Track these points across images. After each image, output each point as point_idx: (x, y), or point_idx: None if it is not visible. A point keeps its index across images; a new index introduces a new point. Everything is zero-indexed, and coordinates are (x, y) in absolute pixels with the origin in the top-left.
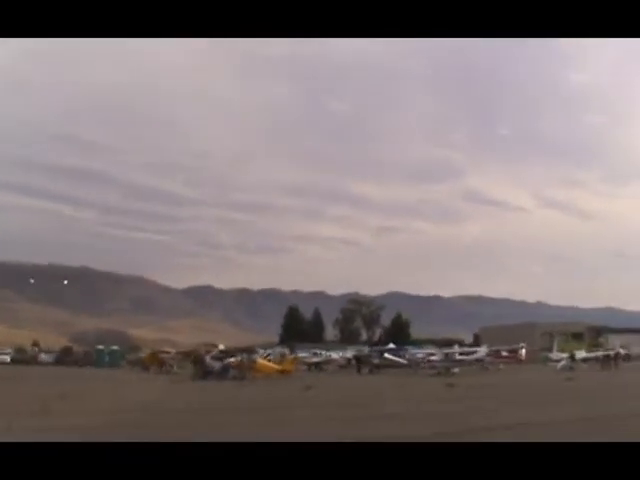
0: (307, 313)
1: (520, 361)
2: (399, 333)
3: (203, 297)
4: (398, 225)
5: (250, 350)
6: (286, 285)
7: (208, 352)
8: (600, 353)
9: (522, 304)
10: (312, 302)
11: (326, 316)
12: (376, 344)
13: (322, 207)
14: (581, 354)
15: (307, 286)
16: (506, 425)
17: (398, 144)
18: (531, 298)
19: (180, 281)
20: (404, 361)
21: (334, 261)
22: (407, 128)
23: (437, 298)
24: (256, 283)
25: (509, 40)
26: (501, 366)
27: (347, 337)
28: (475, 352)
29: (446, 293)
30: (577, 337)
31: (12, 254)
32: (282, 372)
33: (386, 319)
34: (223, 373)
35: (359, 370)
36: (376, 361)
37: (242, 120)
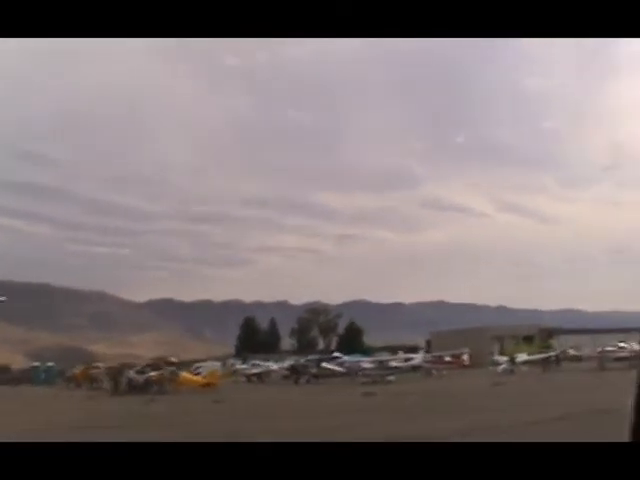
0: (268, 323)
1: (464, 366)
2: (352, 341)
3: (164, 310)
4: (359, 233)
5: (188, 363)
6: (248, 296)
7: (132, 366)
8: (542, 355)
9: (484, 308)
10: (274, 312)
11: (288, 326)
12: (332, 353)
13: (282, 217)
14: (522, 357)
15: (269, 296)
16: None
17: (357, 153)
18: (493, 302)
19: (141, 295)
20: (343, 370)
21: (296, 271)
22: (366, 137)
23: (399, 305)
24: (218, 295)
25: (464, 47)
26: (444, 372)
27: (304, 346)
28: (411, 359)
29: (407, 300)
30: (528, 340)
31: None
32: (207, 385)
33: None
34: (146, 387)
35: (296, 381)
36: (313, 371)
37: (200, 131)
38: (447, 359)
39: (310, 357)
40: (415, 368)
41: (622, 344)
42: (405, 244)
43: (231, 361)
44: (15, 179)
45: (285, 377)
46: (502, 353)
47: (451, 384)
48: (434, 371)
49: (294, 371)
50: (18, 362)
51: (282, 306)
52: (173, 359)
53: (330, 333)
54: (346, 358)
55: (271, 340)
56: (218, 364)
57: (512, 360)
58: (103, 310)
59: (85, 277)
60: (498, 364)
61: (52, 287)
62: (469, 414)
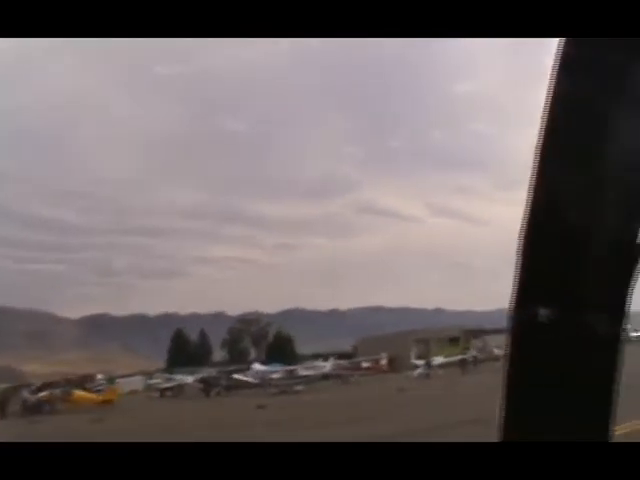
0: (204, 335)
1: (383, 371)
2: (282, 349)
3: (99, 326)
4: (295, 242)
5: (113, 379)
6: (184, 308)
7: (27, 386)
8: (458, 357)
9: (421, 312)
10: (211, 324)
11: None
12: (263, 362)
13: (218, 228)
14: (439, 360)
15: (206, 308)
16: None
17: (291, 160)
18: (430, 305)
19: (75, 311)
20: (255, 381)
21: (232, 281)
22: (299, 144)
23: (336, 311)
24: (154, 308)
25: (397, 51)
26: (362, 378)
27: (236, 357)
28: (322, 367)
29: (345, 306)
30: (454, 341)
31: None
32: (105, 402)
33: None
34: (40, 407)
35: (207, 394)
36: (224, 383)
37: (134, 142)
38: (365, 365)
39: (221, 369)
40: (326, 376)
41: None
42: (342, 250)
43: (164, 375)
44: None
45: (201, 390)
46: (426, 356)
47: (359, 391)
48: (352, 378)
49: (205, 383)
50: None
51: (219, 317)
52: (100, 376)
53: (262, 342)
54: (258, 368)
55: (202, 352)
56: (139, 379)
57: (428, 363)
58: (37, 328)
59: (18, 294)
60: (416, 368)
61: None
62: (352, 424)
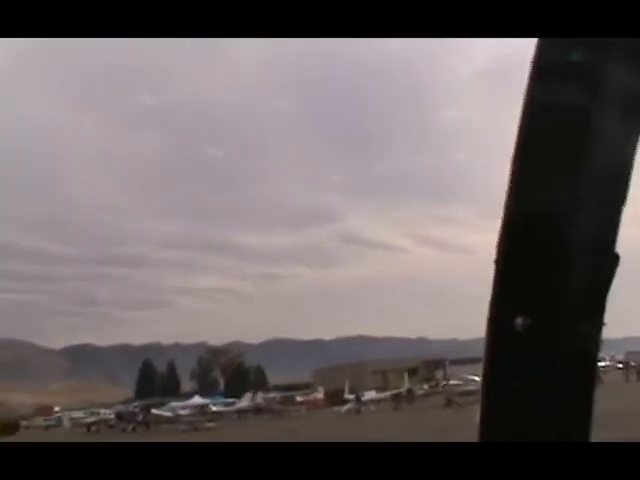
0: (188, 365)
1: (318, 406)
2: (244, 381)
3: (82, 356)
4: (277, 272)
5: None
6: (167, 338)
7: None
8: (390, 392)
9: (405, 341)
10: (194, 354)
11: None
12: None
13: (200, 257)
14: (370, 394)
15: (188, 338)
16: None
17: (275, 189)
18: (413, 335)
19: (57, 342)
20: (171, 416)
21: (215, 311)
22: (283, 172)
23: (319, 342)
24: (136, 338)
25: (382, 77)
26: (295, 413)
27: (205, 388)
28: (234, 402)
29: (327, 336)
30: (413, 372)
31: None
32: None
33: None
34: None
35: (124, 429)
36: (140, 418)
37: (114, 171)
38: (299, 399)
39: (137, 404)
40: (241, 412)
41: (473, 377)
42: (324, 280)
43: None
44: None
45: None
46: (384, 388)
47: (257, 430)
48: (286, 413)
49: (120, 419)
50: None
51: (202, 347)
52: (57, 408)
53: (230, 373)
54: (196, 402)
55: (169, 383)
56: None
57: (358, 398)
58: (17, 358)
59: None
60: (346, 403)
61: None
62: None
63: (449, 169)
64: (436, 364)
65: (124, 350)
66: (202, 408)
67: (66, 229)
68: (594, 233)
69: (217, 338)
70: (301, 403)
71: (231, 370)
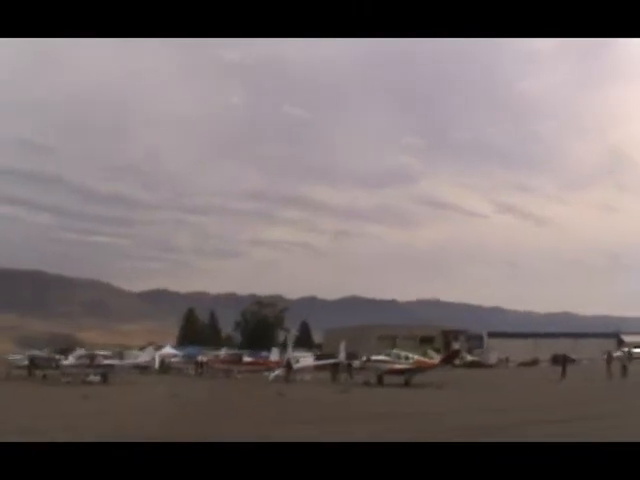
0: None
1: (268, 368)
2: (265, 336)
3: (158, 301)
4: (353, 229)
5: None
6: (242, 289)
7: None
8: (329, 361)
9: (479, 309)
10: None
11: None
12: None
13: (277, 211)
14: (306, 361)
15: (263, 290)
16: None
17: (353, 149)
18: (487, 303)
19: (135, 285)
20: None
21: (290, 265)
22: (362, 133)
23: (393, 302)
24: (212, 287)
25: (464, 46)
26: (239, 376)
27: (248, 340)
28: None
29: (402, 297)
30: (427, 341)
31: None
32: None
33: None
34: None
35: (30, 373)
36: (52, 365)
37: (198, 124)
38: (246, 359)
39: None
40: (141, 367)
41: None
42: (400, 241)
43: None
44: (15, 167)
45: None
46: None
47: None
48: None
49: (32, 364)
50: (6, 349)
51: (277, 300)
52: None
53: (276, 327)
54: (160, 352)
55: (211, 333)
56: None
57: (289, 365)
58: (96, 299)
59: (81, 266)
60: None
61: (47, 275)
62: None
63: (530, 139)
64: (455, 335)
65: (199, 297)
66: (92, 359)
67: (149, 177)
68: None
69: (291, 291)
70: (250, 364)
71: (277, 324)
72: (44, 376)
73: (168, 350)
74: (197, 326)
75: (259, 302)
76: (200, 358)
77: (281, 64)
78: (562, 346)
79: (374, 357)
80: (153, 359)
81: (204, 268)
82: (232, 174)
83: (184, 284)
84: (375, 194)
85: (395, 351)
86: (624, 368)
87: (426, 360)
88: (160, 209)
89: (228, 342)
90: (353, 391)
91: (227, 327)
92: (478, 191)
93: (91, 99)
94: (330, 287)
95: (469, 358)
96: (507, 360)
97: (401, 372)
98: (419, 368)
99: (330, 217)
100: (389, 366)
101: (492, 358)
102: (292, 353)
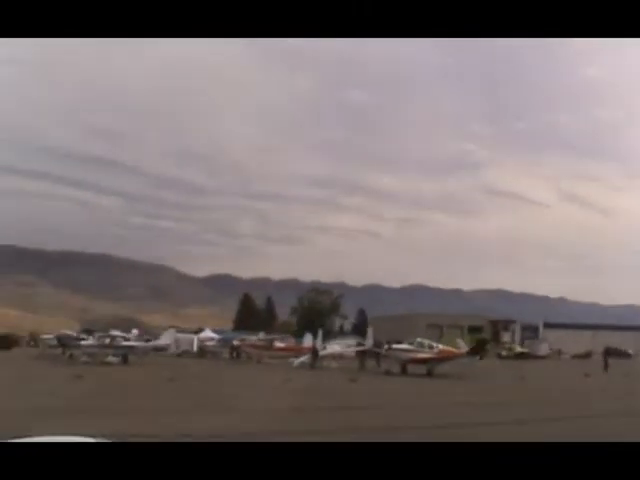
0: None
1: (303, 353)
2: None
3: (221, 286)
4: (418, 217)
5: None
6: (305, 275)
7: None
8: (357, 348)
9: (543, 299)
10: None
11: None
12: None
13: (341, 198)
14: (333, 348)
15: (326, 277)
16: None
17: (417, 136)
18: (552, 294)
19: (199, 269)
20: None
21: (353, 252)
22: (426, 120)
23: (458, 291)
24: (275, 273)
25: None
26: (272, 361)
27: (303, 326)
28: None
29: (467, 287)
30: (476, 331)
31: (34, 240)
32: None
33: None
34: None
35: (63, 352)
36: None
37: (262, 110)
38: (279, 345)
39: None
40: (159, 349)
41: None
42: (465, 230)
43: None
44: (82, 152)
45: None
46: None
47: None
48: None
49: (60, 343)
50: (73, 329)
51: (340, 287)
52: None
53: (332, 314)
54: (203, 335)
55: (267, 318)
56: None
57: (315, 351)
58: (161, 283)
59: (146, 250)
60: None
61: (114, 258)
62: None
63: (595, 127)
64: (505, 325)
65: (261, 283)
66: (110, 341)
67: (214, 163)
68: None
69: (356, 279)
70: (282, 349)
71: (333, 311)
72: (70, 355)
73: (207, 334)
74: (253, 311)
75: (315, 289)
76: (235, 343)
77: (346, 49)
78: (622, 339)
79: (395, 345)
80: (174, 342)
81: (267, 254)
82: (297, 161)
83: (247, 270)
84: (440, 182)
85: (419, 340)
86: None
87: (452, 350)
88: (224, 195)
89: (284, 328)
90: (363, 381)
91: (285, 313)
92: (544, 180)
93: (157, 85)
94: (394, 275)
95: (518, 349)
96: (559, 352)
97: (424, 361)
98: (444, 358)
99: (394, 205)
100: (412, 355)
101: (542, 349)
102: (321, 340)
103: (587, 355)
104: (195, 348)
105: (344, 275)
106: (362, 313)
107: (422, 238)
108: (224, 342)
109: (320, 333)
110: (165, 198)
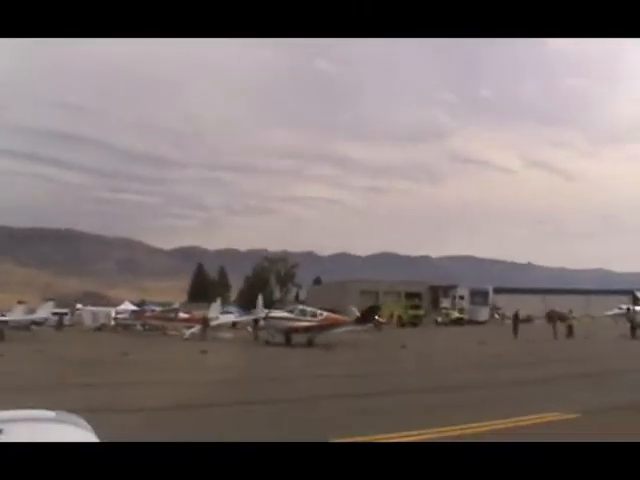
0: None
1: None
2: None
3: (190, 258)
4: (384, 185)
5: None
6: (273, 245)
7: None
8: (247, 317)
9: (511, 265)
10: (301, 263)
11: (312, 276)
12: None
13: (308, 168)
14: (226, 318)
15: (295, 246)
16: None
17: (384, 104)
18: (520, 259)
19: (166, 243)
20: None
21: (321, 221)
22: (393, 88)
23: (426, 258)
24: (244, 244)
25: None
26: (173, 332)
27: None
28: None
29: (434, 253)
30: (411, 297)
31: None
32: None
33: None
34: None
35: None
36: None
37: (228, 82)
38: (182, 316)
39: None
40: (37, 323)
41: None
42: (431, 197)
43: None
44: (47, 127)
45: None
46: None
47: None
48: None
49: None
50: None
51: (309, 256)
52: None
53: (287, 283)
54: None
55: (219, 288)
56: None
57: (205, 321)
58: (128, 256)
59: (113, 224)
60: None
61: (80, 233)
62: None
63: (559, 94)
64: (445, 291)
65: (230, 255)
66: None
67: (180, 136)
68: None
69: (324, 248)
70: (184, 320)
71: (285, 280)
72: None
73: (125, 307)
74: (207, 282)
75: (268, 258)
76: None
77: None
78: (572, 303)
79: (273, 313)
80: (51, 315)
81: (235, 225)
82: (261, 131)
83: (215, 241)
84: (406, 150)
85: (300, 307)
86: (569, 328)
87: (337, 317)
88: (190, 167)
89: (242, 298)
90: (219, 352)
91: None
92: (510, 147)
93: (124, 60)
94: (362, 243)
95: (455, 315)
96: (503, 317)
97: (305, 330)
98: (326, 326)
99: (360, 173)
100: (290, 324)
101: (482, 315)
102: (217, 310)
103: (528, 319)
104: (112, 322)
105: (313, 244)
106: (318, 281)
107: (390, 206)
108: (139, 314)
109: (260, 302)
110: (131, 172)
